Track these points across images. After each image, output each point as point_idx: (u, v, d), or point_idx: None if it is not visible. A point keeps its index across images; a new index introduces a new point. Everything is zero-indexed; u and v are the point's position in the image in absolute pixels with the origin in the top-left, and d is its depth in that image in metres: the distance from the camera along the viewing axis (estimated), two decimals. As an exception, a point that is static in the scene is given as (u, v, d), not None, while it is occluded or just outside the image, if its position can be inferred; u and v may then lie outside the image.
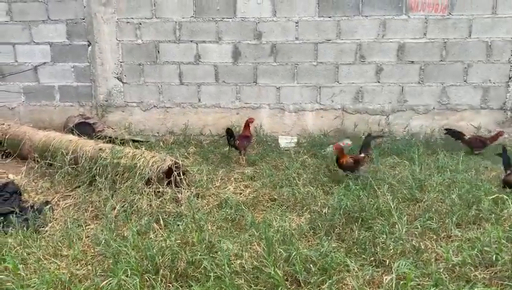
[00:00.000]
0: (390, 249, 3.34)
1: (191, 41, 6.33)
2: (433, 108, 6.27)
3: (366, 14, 6.04)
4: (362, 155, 4.93)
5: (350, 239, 3.58)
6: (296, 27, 6.18)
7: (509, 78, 6.03)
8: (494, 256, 3.12)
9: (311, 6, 6.08)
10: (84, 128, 6.00)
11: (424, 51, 6.09)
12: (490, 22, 5.88)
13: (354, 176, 4.72)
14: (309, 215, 4.02)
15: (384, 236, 3.46)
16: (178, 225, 3.76)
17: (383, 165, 5.19)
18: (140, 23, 6.31)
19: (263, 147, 6.03)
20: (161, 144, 6.09)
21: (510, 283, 2.96)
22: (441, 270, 3.05)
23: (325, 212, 3.90)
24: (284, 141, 6.29)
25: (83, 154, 4.79)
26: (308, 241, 3.62)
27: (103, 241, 3.49)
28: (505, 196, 3.90)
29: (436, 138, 6.19)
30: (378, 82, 6.28)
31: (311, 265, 3.11)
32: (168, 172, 4.52)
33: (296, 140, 6.31)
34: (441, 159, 5.15)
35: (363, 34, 6.12)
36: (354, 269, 3.07)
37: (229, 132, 5.43)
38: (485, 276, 3.05)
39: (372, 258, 3.31)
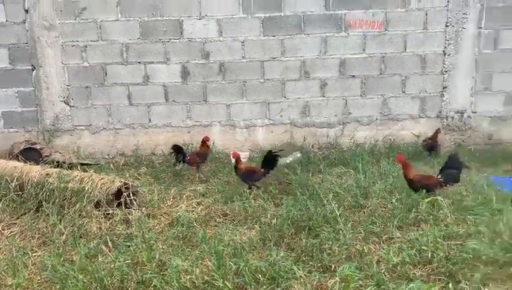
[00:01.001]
0: (336, 255, 3.49)
1: (139, 62, 6.36)
2: (376, 119, 6.59)
3: (308, 33, 6.31)
4: (262, 169, 5.03)
5: (299, 248, 3.70)
6: (243, 46, 6.35)
7: (443, 88, 6.45)
8: (430, 254, 3.32)
9: (255, 27, 6.29)
10: (31, 154, 5.84)
11: (364, 65, 6.42)
12: (422, 36, 6.31)
13: (249, 185, 4.95)
14: (259, 228, 4.11)
15: (330, 242, 3.61)
16: (128, 246, 3.75)
17: (330, 175, 5.39)
18: (86, 46, 6.28)
19: (215, 164, 6.10)
20: (111, 166, 6.02)
21: (445, 278, 3.16)
22: (383, 271, 3.22)
23: (274, 224, 4.01)
24: (236, 157, 6.39)
25: (28, 180, 4.67)
26: (259, 253, 3.70)
27: (50, 266, 3.42)
28: (439, 198, 4.16)
29: (380, 147, 6.48)
30: (323, 96, 6.54)
31: (260, 275, 3.20)
32: (118, 193, 4.49)
33: (247, 155, 6.43)
34: (384, 167, 5.41)
35: (306, 51, 6.38)
36: (301, 276, 3.18)
37: (176, 148, 5.51)
38: (422, 273, 3.24)
39: (320, 264, 3.44)
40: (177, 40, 6.29)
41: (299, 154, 6.25)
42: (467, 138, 6.56)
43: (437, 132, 6.13)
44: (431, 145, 6.04)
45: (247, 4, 6.21)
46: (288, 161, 6.04)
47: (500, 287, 3.06)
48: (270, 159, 5.05)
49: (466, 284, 3.02)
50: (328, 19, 6.27)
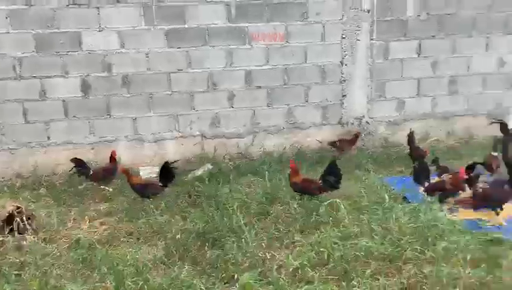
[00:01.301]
0: (240, 264, 3.52)
1: (35, 77, 5.96)
2: (283, 128, 6.80)
3: (213, 45, 6.36)
4: (157, 183, 5.04)
5: (204, 260, 3.68)
6: (147, 58, 6.24)
7: (343, 97, 6.84)
8: (327, 255, 3.48)
9: (159, 38, 6.21)
10: None
11: (269, 76, 6.61)
12: (321, 48, 6.65)
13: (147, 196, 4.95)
14: (164, 244, 4.03)
15: (234, 252, 3.64)
16: (19, 275, 3.47)
17: (239, 184, 5.44)
18: (-27, 61, 5.77)
19: (122, 180, 5.88)
20: (5, 189, 5.56)
21: (341, 277, 3.33)
22: (283, 276, 3.30)
23: (178, 238, 3.96)
24: (145, 172, 6.22)
25: None
26: (163, 270, 3.62)
27: None
28: (338, 200, 4.39)
29: (287, 154, 6.69)
30: (232, 107, 6.62)
31: (161, 292, 3.13)
32: (9, 219, 4.16)
33: (157, 170, 6.28)
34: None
35: (212, 63, 6.41)
36: (202, 289, 3.17)
37: (76, 162, 5.30)
38: (321, 275, 3.38)
39: (224, 275, 3.44)
40: (76, 53, 6.00)
41: (210, 166, 6.25)
42: (366, 142, 6.99)
43: (357, 135, 6.51)
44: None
45: (149, 16, 6.11)
46: (198, 173, 6.02)
47: (389, 280, 3.28)
48: (166, 172, 4.99)
49: (358, 282, 3.20)
50: (232, 32, 6.38)
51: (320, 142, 6.88)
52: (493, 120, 6.54)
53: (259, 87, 6.63)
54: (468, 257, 3.37)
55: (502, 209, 4.35)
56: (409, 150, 6.13)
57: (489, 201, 4.38)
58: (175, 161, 5.27)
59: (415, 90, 7.00)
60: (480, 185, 4.72)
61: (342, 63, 6.72)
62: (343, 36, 6.64)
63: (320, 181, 4.76)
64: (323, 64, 6.70)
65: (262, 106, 6.70)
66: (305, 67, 6.68)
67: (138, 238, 4.27)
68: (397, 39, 6.76)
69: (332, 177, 4.72)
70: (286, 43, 6.56)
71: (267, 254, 3.67)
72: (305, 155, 6.62)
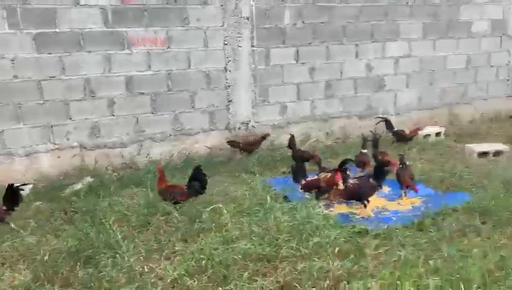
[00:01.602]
0: (116, 281, 3.34)
1: None
2: (170, 135, 6.68)
3: (89, 50, 6.02)
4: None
5: (76, 281, 3.43)
6: (13, 65, 5.69)
7: (229, 102, 6.93)
8: (205, 262, 3.46)
9: (27, 43, 5.69)
10: None
11: (152, 82, 6.44)
12: (204, 54, 6.67)
13: None
14: (32, 267, 3.68)
15: (109, 268, 3.44)
16: None
17: (121, 196, 5.19)
18: None
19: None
20: None
21: (220, 282, 3.33)
22: (159, 288, 3.20)
23: (46, 260, 3.64)
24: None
25: None
26: (30, 295, 3.30)
27: None
28: (221, 205, 4.41)
29: (175, 162, 6.58)
30: (113, 115, 6.32)
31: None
32: None
33: (31, 186, 5.74)
34: (176, 181, 5.48)
35: (89, 69, 6.06)
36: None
37: None
38: (200, 282, 3.35)
39: (99, 294, 3.24)
40: None
41: (90, 179, 5.89)
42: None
43: (264, 137, 6.75)
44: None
45: (13, 19, 5.58)
46: (77, 187, 5.64)
47: (266, 280, 3.36)
48: (12, 194, 4.58)
49: (235, 285, 3.22)
50: (109, 36, 6.09)
51: (209, 148, 6.89)
52: (379, 118, 7.33)
53: (142, 93, 6.43)
54: (337, 250, 3.60)
55: (368, 201, 4.73)
56: (291, 153, 6.42)
57: (357, 195, 4.74)
58: (25, 184, 4.85)
59: (295, 95, 7.35)
60: (351, 180, 5.08)
61: (226, 68, 6.81)
62: (226, 42, 6.73)
63: (185, 187, 4.78)
64: (207, 70, 6.72)
65: (147, 113, 6.51)
66: (189, 72, 6.64)
67: (3, 263, 3.84)
68: (277, 46, 7.04)
69: (197, 183, 4.75)
70: (168, 48, 6.46)
71: (145, 267, 3.53)
72: (193, 162, 6.55)
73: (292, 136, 6.55)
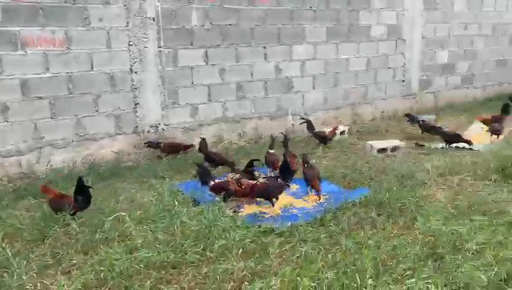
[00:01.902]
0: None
1: None
2: (72, 141, 6.30)
3: (-25, 50, 5.49)
4: None
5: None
6: None
7: (136, 105, 6.71)
8: (103, 275, 3.31)
9: None
10: None
11: (50, 85, 6.03)
12: (108, 55, 6.39)
13: None
14: None
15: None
16: None
17: (16, 209, 4.81)
18: None
19: None
20: None
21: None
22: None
23: None
24: None
25: None
26: None
27: None
28: (123, 213, 4.25)
29: (79, 169, 6.23)
30: (7, 121, 5.83)
31: None
32: None
33: None
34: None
35: (-25, 71, 5.54)
36: None
37: None
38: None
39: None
40: None
41: None
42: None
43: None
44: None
45: None
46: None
47: (170, 287, 3.30)
48: None
49: (135, 296, 3.13)
50: (-1, 36, 5.61)
51: (116, 153, 6.62)
52: (303, 119, 7.56)
53: (40, 97, 6.00)
54: (241, 251, 3.63)
55: (277, 199, 4.86)
56: (203, 156, 6.36)
57: (265, 194, 4.84)
58: None
59: (206, 97, 7.32)
60: (261, 180, 5.18)
61: (131, 70, 6.58)
62: (131, 43, 6.51)
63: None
64: (112, 72, 6.45)
65: (46, 118, 6.09)
66: (92, 74, 6.32)
67: None
68: (185, 47, 6.95)
69: (80, 197, 4.46)
70: (68, 49, 6.09)
71: (38, 284, 3.29)
72: (99, 168, 6.26)
73: (203, 139, 6.52)
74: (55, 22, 5.96)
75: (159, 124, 6.96)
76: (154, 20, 6.60)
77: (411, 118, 8.28)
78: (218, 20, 7.17)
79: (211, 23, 7.11)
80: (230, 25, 7.30)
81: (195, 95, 7.21)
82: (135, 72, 6.61)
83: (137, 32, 6.53)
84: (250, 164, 5.36)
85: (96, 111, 6.44)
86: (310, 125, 7.50)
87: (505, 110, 8.16)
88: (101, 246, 3.80)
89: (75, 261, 3.64)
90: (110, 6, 6.28)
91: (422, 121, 8.02)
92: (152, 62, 6.72)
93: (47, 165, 6.13)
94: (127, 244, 3.88)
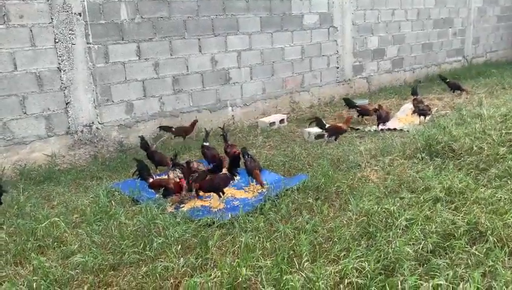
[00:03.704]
0: None
1: None
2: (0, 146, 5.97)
3: None
4: None
5: None
6: None
7: (67, 104, 6.43)
8: (36, 284, 3.19)
9: None
10: None
11: (-31, 88, 5.65)
12: (32, 54, 6.06)
13: None
14: None
15: None
16: None
17: None
18: None
19: None
20: None
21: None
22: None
23: None
24: None
25: None
26: None
27: None
28: (57, 218, 4.09)
29: (10, 175, 5.91)
30: None
31: None
32: None
33: None
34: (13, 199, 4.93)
35: None
36: None
37: None
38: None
39: None
40: None
41: None
42: (100, 148, 6.80)
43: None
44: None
45: None
46: None
47: (108, 290, 3.24)
48: None
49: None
50: None
51: (49, 155, 6.33)
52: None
53: (-42, 102, 5.60)
54: (180, 247, 3.63)
55: (223, 193, 4.89)
56: (146, 154, 6.20)
57: (213, 188, 4.86)
58: None
59: (141, 92, 7.15)
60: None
61: (59, 68, 6.29)
62: (57, 40, 6.21)
63: None
64: (38, 71, 6.14)
65: (-34, 124, 5.70)
66: (16, 75, 5.99)
67: None
68: (115, 42, 6.74)
69: None
70: (-14, 49, 5.71)
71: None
72: (31, 173, 5.97)
73: (142, 138, 6.35)
74: (-30, 20, 5.57)
75: (93, 123, 6.73)
76: (80, 15, 6.33)
77: (348, 103, 8.55)
78: (149, 13, 7.00)
79: (141, 16, 6.93)
80: (161, 17, 7.16)
81: (129, 91, 7.03)
82: (64, 71, 6.33)
83: (63, 28, 6.24)
84: (188, 163, 5.35)
85: (24, 113, 6.12)
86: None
87: (414, 92, 8.74)
88: (34, 255, 3.64)
89: (5, 273, 3.46)
90: (31, 2, 5.95)
91: (359, 105, 8.32)
92: (81, 59, 6.46)
93: (-28, 174, 5.76)
94: (62, 250, 3.76)
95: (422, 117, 7.83)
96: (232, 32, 8.04)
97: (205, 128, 6.57)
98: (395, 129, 7.45)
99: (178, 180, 5.05)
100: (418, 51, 11.97)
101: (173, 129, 7.22)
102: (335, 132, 6.93)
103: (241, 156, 5.40)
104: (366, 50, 10.55)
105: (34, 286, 3.16)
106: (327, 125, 6.99)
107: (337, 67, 10.02)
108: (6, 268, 3.52)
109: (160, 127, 7.25)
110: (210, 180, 5.01)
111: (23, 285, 3.24)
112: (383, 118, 7.55)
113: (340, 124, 7.07)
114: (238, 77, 8.30)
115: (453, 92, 10.06)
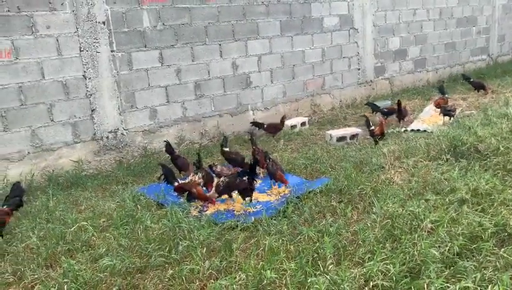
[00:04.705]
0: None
1: None
2: (28, 152, 6.14)
3: None
4: None
5: None
6: None
7: (92, 111, 6.59)
8: (67, 286, 3.28)
9: None
10: None
11: (0, 97, 5.85)
12: (59, 62, 6.24)
13: None
14: None
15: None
16: None
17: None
18: None
19: None
20: None
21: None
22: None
23: None
24: None
25: None
26: None
27: None
28: (85, 223, 4.20)
29: (38, 181, 6.10)
30: (-44, 138, 5.62)
31: None
32: None
33: None
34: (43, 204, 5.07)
35: None
36: None
37: None
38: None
39: None
40: None
41: None
42: (125, 154, 6.94)
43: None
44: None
45: None
46: None
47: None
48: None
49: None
50: None
51: (76, 161, 6.50)
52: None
53: (-10, 110, 5.81)
54: (205, 250, 3.67)
55: (246, 195, 4.94)
56: (170, 158, 6.28)
57: (228, 190, 4.91)
58: None
59: (164, 98, 7.27)
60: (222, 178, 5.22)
61: (85, 76, 6.46)
62: (82, 49, 6.37)
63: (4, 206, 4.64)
64: (64, 80, 6.31)
65: (-2, 132, 5.91)
66: (43, 84, 6.17)
67: None
68: (138, 49, 6.88)
69: (16, 198, 4.71)
70: (16, 59, 5.92)
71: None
72: (58, 179, 6.14)
73: (167, 143, 6.43)
74: (0, 32, 5.77)
75: (118, 129, 6.87)
76: (104, 24, 6.49)
77: (372, 107, 8.41)
78: (171, 21, 7.12)
79: (163, 23, 7.05)
80: (183, 24, 7.27)
81: (152, 97, 7.16)
82: (89, 78, 6.49)
83: (88, 37, 6.40)
84: (210, 166, 5.42)
85: (52, 120, 6.30)
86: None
87: (441, 91, 8.64)
88: (64, 258, 3.74)
89: (37, 276, 3.57)
90: (57, 13, 6.13)
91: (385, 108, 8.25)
92: (106, 67, 6.61)
93: (3, 180, 5.94)
94: (91, 253, 3.86)
95: (446, 117, 7.71)
96: (252, 36, 8.09)
97: (224, 134, 6.61)
98: (418, 130, 7.36)
99: (200, 183, 5.11)
100: (441, 50, 11.79)
101: (265, 126, 7.58)
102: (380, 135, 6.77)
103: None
104: (387, 51, 10.46)
105: (65, 289, 3.25)
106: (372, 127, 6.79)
107: (358, 69, 9.96)
108: (37, 271, 3.63)
109: (252, 123, 7.71)
110: (226, 184, 5.02)
111: (54, 287, 3.34)
112: (403, 114, 7.58)
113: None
114: (259, 80, 8.35)
115: (478, 91, 9.88)
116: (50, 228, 4.26)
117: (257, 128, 7.76)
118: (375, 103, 8.66)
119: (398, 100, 7.98)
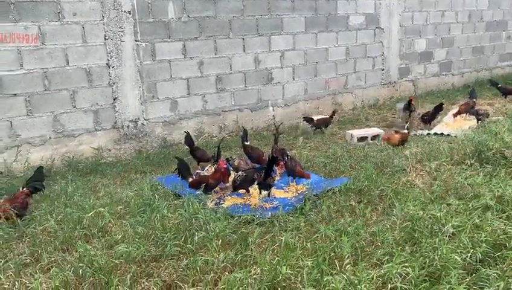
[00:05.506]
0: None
1: None
2: (50, 138, 6.22)
3: None
4: None
5: None
6: None
7: (114, 100, 6.63)
8: (82, 270, 3.29)
9: None
10: None
11: (25, 82, 5.93)
12: (84, 50, 6.29)
13: None
14: None
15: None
16: None
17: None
18: None
19: None
20: None
21: None
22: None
23: None
24: None
25: None
26: None
27: None
28: (103, 209, 4.22)
29: (58, 166, 6.17)
30: (-19, 120, 5.72)
31: None
32: None
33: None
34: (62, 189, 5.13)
35: None
36: None
37: None
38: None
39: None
40: None
41: None
42: (145, 144, 6.97)
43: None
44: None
45: None
46: None
47: (150, 281, 3.29)
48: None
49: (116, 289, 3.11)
50: (-31, 32, 5.48)
51: (96, 149, 6.55)
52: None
53: (15, 94, 5.91)
54: (220, 242, 3.64)
55: (262, 189, 4.89)
56: (189, 150, 6.26)
57: (245, 184, 4.87)
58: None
59: (185, 90, 7.27)
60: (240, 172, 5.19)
61: (108, 65, 6.50)
62: (107, 37, 6.41)
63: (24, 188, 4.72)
64: (88, 67, 6.36)
65: (21, 116, 6.00)
66: (67, 70, 6.23)
67: None
68: (162, 40, 6.89)
69: (37, 183, 4.81)
70: (42, 44, 5.99)
71: (16, 283, 3.25)
72: (78, 165, 6.20)
73: (188, 134, 6.40)
74: (28, 17, 5.85)
75: (139, 118, 6.91)
76: (130, 13, 6.52)
77: (406, 107, 8.17)
78: (196, 13, 7.11)
79: (188, 15, 7.05)
80: (207, 17, 7.25)
81: (174, 88, 7.16)
82: (112, 67, 6.53)
83: (113, 26, 6.44)
84: (227, 160, 5.39)
85: (74, 107, 6.36)
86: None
87: (472, 95, 8.46)
88: (81, 243, 3.76)
89: (53, 259, 3.59)
90: (84, 0, 6.18)
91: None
92: (129, 56, 6.64)
93: (24, 164, 6.04)
94: (107, 239, 3.87)
95: (475, 121, 7.53)
96: (276, 32, 8.03)
97: (243, 127, 6.56)
98: (442, 134, 7.19)
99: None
100: (468, 54, 11.51)
101: (315, 121, 7.58)
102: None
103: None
104: (413, 52, 10.26)
105: (80, 272, 3.27)
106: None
107: (382, 69, 9.79)
108: (54, 254, 3.66)
109: (304, 117, 7.69)
110: (244, 177, 4.97)
111: (70, 271, 3.35)
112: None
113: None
114: (281, 77, 8.28)
115: (505, 97, 9.61)
116: (68, 212, 4.29)
117: (307, 122, 7.67)
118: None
119: (410, 98, 8.05)
